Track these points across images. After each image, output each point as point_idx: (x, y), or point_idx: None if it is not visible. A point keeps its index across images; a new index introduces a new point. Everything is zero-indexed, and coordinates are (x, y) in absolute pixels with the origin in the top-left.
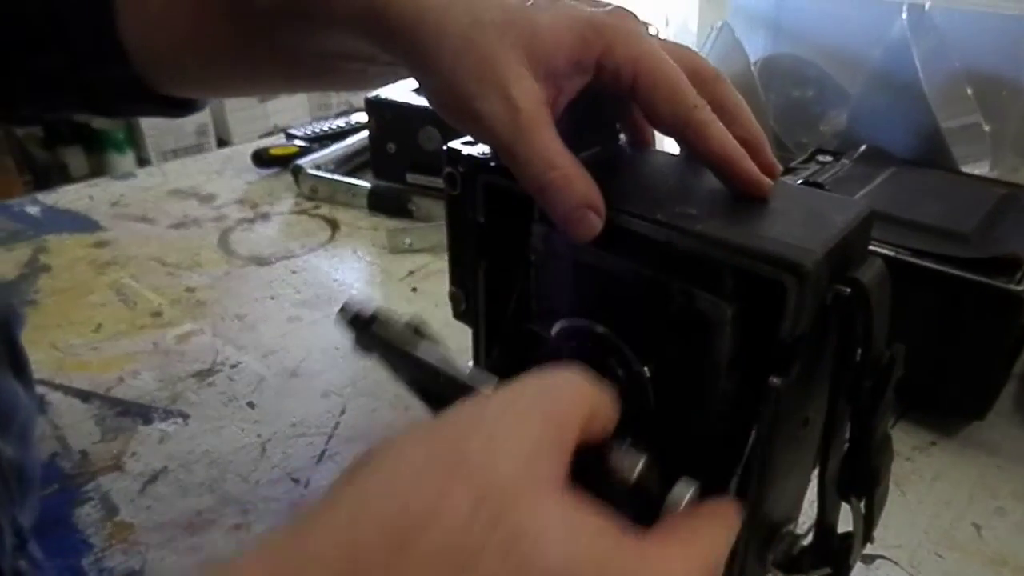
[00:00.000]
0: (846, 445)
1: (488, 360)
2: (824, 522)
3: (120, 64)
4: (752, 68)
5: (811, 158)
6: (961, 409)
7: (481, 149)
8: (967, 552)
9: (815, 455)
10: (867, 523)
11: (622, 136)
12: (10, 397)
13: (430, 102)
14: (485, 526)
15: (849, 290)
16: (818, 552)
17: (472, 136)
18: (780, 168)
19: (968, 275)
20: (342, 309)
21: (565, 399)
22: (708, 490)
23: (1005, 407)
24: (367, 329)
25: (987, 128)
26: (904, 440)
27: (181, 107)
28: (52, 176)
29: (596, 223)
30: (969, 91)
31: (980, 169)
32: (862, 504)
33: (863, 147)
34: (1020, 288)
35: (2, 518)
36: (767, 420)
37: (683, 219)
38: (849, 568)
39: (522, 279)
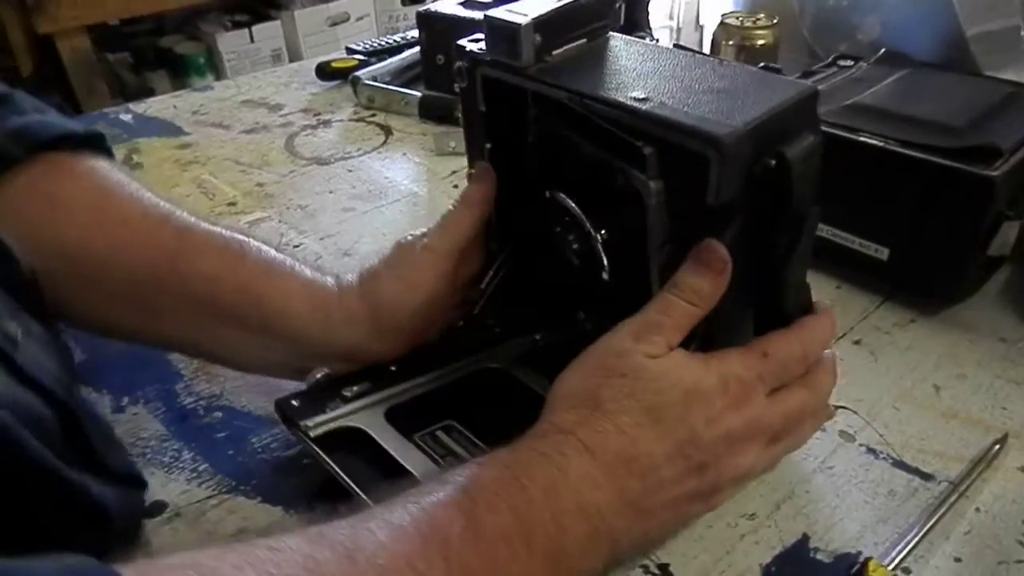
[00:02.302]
0: None
1: (499, 222)
2: None
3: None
4: None
5: (833, 63)
6: (937, 289)
7: (480, 45)
8: (922, 407)
9: None
10: None
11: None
12: None
13: None
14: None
15: (775, 162)
16: None
17: None
18: None
19: (947, 162)
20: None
21: None
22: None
23: (992, 291)
24: None
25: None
26: (887, 318)
27: None
28: (141, 98)
29: None
30: None
31: (1011, 73)
32: None
33: (882, 51)
34: (994, 174)
35: None
36: None
37: (636, 102)
38: None
39: (519, 157)
